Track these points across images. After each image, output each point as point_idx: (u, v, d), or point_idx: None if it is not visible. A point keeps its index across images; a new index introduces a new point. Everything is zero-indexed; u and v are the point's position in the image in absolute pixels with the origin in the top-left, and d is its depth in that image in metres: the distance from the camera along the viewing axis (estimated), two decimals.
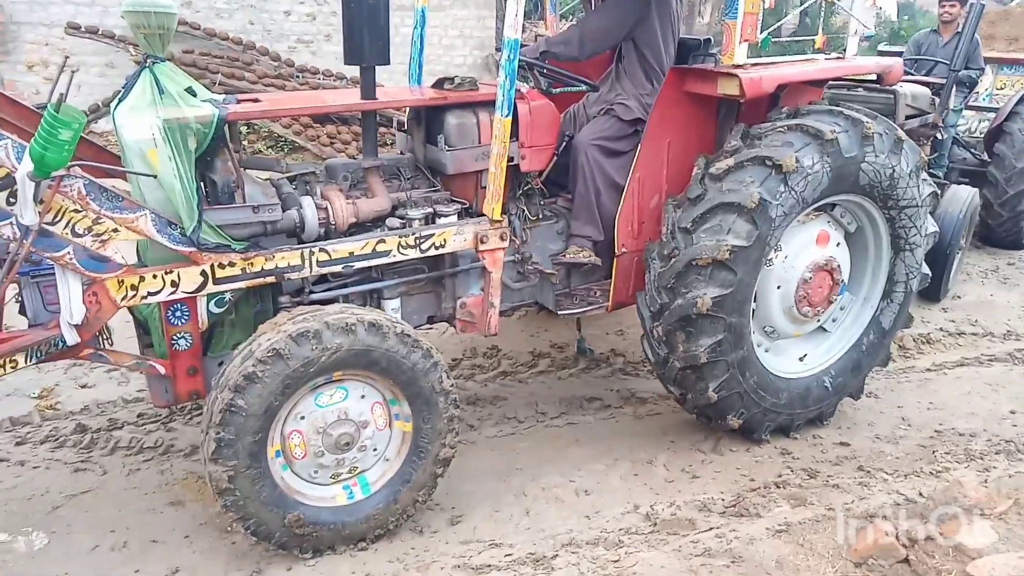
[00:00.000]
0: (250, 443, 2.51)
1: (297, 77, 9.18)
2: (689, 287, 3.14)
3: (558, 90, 3.62)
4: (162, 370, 2.78)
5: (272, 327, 2.60)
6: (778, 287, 3.45)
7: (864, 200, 3.42)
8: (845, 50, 3.60)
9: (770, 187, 3.07)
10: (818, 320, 3.65)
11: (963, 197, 5.64)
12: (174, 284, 2.62)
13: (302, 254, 2.79)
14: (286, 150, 8.48)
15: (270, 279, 2.78)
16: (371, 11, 2.90)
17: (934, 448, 3.65)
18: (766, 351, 3.61)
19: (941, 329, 5.13)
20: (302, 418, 2.68)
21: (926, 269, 3.77)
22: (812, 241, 3.48)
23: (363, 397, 2.78)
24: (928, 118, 5.87)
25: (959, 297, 5.70)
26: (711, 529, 2.98)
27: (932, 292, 5.43)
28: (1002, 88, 7.37)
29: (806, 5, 4.18)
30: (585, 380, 4.33)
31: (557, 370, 4.41)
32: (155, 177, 2.53)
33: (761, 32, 3.21)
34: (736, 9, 3.10)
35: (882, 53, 7.58)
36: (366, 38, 2.92)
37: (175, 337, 2.74)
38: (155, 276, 2.59)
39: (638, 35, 3.57)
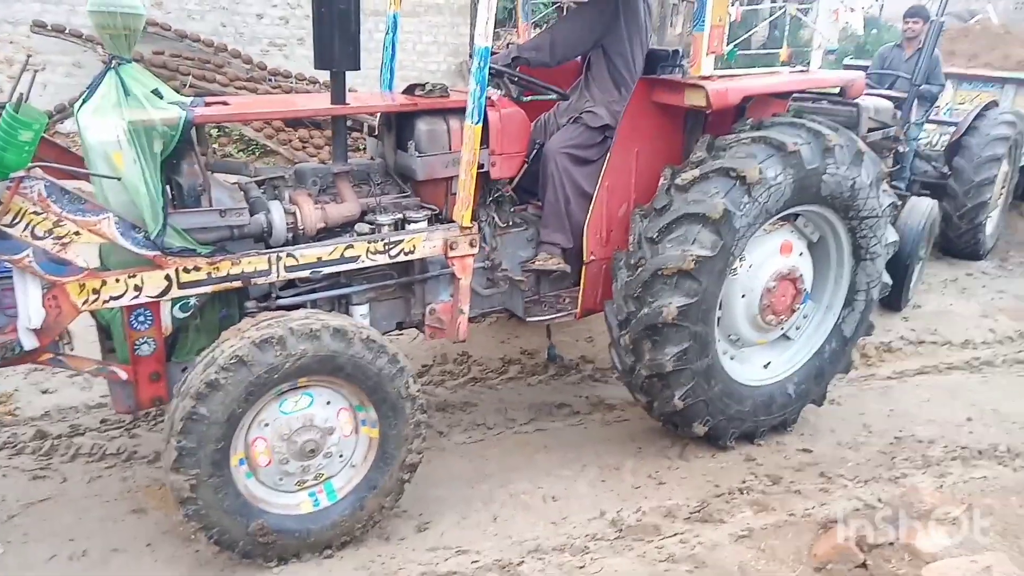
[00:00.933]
0: (212, 452, 2.48)
1: (269, 80, 9.11)
2: (655, 296, 3.18)
3: (529, 98, 3.65)
4: (124, 376, 2.73)
5: (236, 333, 2.58)
6: (743, 296, 3.50)
7: (826, 210, 3.49)
8: (809, 63, 3.66)
9: (734, 198, 3.12)
10: (781, 328, 3.71)
11: (923, 209, 5.78)
12: (137, 288, 2.58)
13: (269, 259, 2.77)
14: (257, 153, 8.41)
15: (236, 284, 2.75)
16: (342, 16, 2.89)
17: (893, 455, 3.73)
18: (731, 359, 3.66)
19: (902, 338, 5.24)
20: (266, 425, 2.65)
21: (887, 278, 3.85)
22: (776, 251, 3.54)
23: (328, 403, 2.75)
24: (890, 131, 6.01)
25: (920, 307, 5.83)
26: (675, 535, 3.01)
27: (893, 301, 5.56)
28: (962, 103, 7.58)
29: (772, 18, 4.23)
30: (554, 386, 4.35)
31: (527, 376, 4.43)
32: (119, 180, 2.50)
33: (728, 44, 3.25)
34: (703, 22, 3.16)
35: (848, 66, 7.77)
36: (336, 43, 2.92)
37: (138, 342, 2.71)
38: (118, 280, 2.56)
39: (607, 43, 3.61)
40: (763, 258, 3.49)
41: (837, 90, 4.04)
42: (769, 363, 3.78)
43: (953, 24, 13.48)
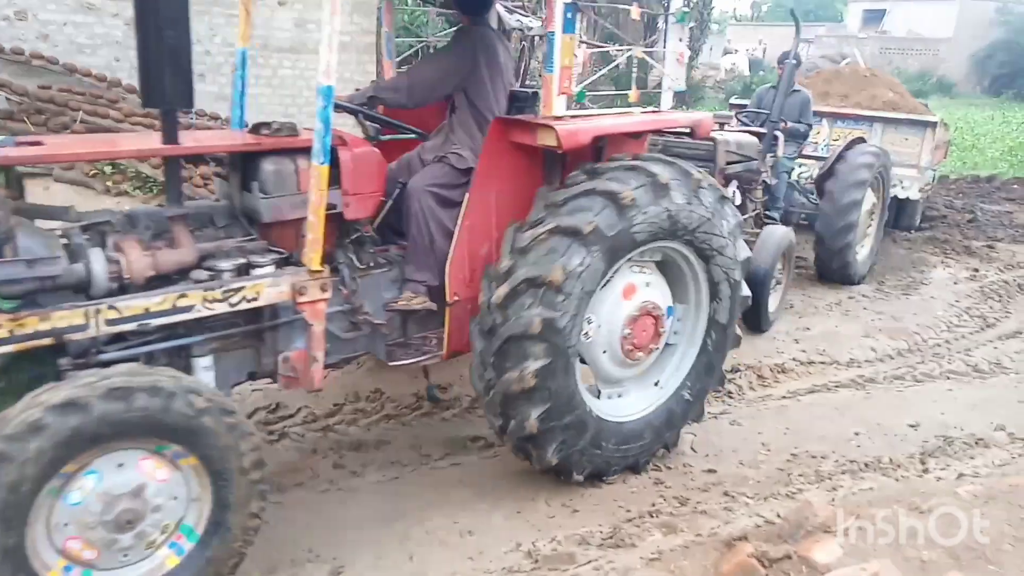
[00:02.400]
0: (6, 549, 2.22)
1: (189, 115, 8.83)
2: (512, 361, 3.19)
3: (387, 136, 3.65)
4: None
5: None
6: (604, 352, 3.56)
7: (671, 243, 3.55)
8: (659, 104, 3.79)
9: (572, 257, 3.13)
10: (657, 350, 3.76)
11: (777, 236, 6.07)
12: None
13: (86, 312, 2.53)
14: (155, 191, 8.10)
15: (47, 341, 2.50)
16: (172, 52, 2.73)
17: (790, 471, 3.94)
18: (619, 396, 3.76)
19: (794, 359, 5.56)
20: (66, 524, 2.40)
21: (746, 290, 3.94)
22: (619, 298, 3.53)
23: (121, 465, 2.48)
24: (752, 164, 6.50)
25: (808, 329, 6.22)
26: (589, 562, 3.07)
27: (754, 323, 5.90)
28: (836, 139, 8.22)
29: (617, 62, 4.45)
30: (468, 420, 4.37)
31: (441, 411, 4.43)
32: None
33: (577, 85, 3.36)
34: (552, 63, 3.21)
35: (733, 105, 8.29)
36: (167, 79, 2.76)
37: None
38: None
39: (468, 87, 3.67)
40: (609, 312, 3.51)
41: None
42: (658, 380, 3.86)
43: (827, 66, 14.63)
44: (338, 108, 3.50)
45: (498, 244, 3.45)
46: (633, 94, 3.78)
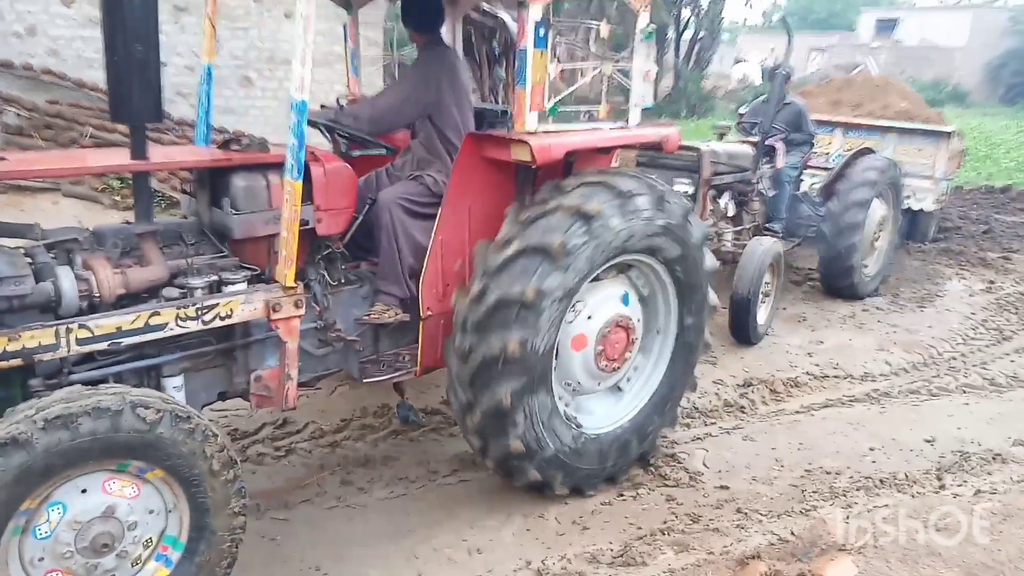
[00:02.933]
0: None
1: (175, 130, 8.89)
2: (489, 383, 3.21)
3: (357, 152, 3.65)
4: None
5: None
6: (578, 364, 3.58)
7: (639, 256, 3.59)
8: (628, 119, 3.80)
9: (543, 275, 3.15)
10: (629, 361, 3.77)
11: (762, 248, 5.94)
12: None
13: (56, 331, 2.47)
14: (163, 205, 8.14)
15: (15, 362, 2.44)
16: (140, 65, 2.68)
17: (804, 487, 3.88)
18: (592, 409, 3.77)
19: (808, 373, 5.50)
20: (41, 559, 2.34)
21: (714, 299, 3.95)
22: (613, 298, 3.63)
23: (84, 491, 2.40)
24: (745, 174, 6.46)
25: (822, 343, 6.14)
26: None
27: (743, 336, 5.87)
28: (849, 150, 8.11)
29: (586, 80, 4.43)
30: None
31: (449, 426, 4.39)
32: None
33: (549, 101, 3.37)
34: (524, 79, 3.22)
35: (742, 115, 8.24)
36: (135, 94, 2.71)
37: None
38: None
39: (434, 115, 3.67)
40: (599, 305, 3.57)
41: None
42: (632, 389, 3.89)
43: (838, 76, 14.58)
44: (312, 124, 3.53)
45: (471, 259, 3.45)
46: (603, 109, 3.76)
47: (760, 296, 5.86)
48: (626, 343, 3.69)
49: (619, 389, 3.89)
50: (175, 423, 2.44)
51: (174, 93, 10.01)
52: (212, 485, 2.55)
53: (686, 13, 24.26)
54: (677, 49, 24.71)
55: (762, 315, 6.00)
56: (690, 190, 6.10)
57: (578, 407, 3.75)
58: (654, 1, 3.58)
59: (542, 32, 3.15)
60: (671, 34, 24.15)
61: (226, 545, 2.64)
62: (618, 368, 3.71)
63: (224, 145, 3.18)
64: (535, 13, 3.11)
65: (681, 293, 3.78)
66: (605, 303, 3.61)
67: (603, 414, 3.80)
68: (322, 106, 3.88)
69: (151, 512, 2.53)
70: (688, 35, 24.83)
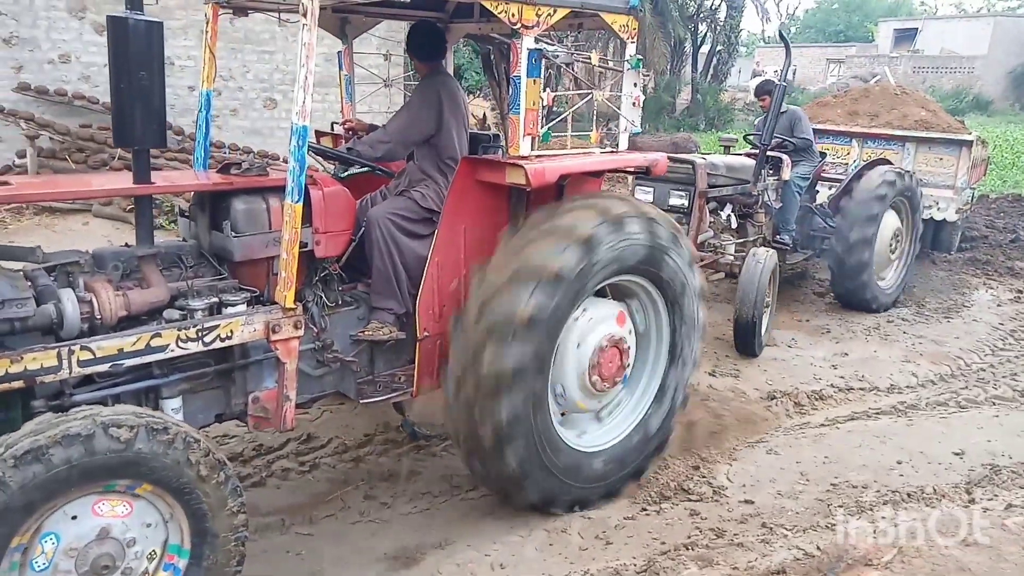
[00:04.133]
0: None
1: (210, 149, 9.07)
2: (487, 409, 3.22)
3: (347, 173, 3.71)
4: None
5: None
6: (578, 345, 3.57)
7: (631, 276, 3.68)
8: (618, 144, 3.87)
9: (540, 301, 3.20)
10: (623, 380, 3.78)
11: (760, 264, 5.85)
12: None
13: (59, 354, 2.50)
14: (166, 221, 8.30)
15: (17, 384, 2.46)
16: (144, 91, 2.75)
17: (829, 502, 3.83)
18: (585, 431, 3.78)
19: (832, 385, 5.44)
20: None
21: (702, 316, 3.98)
22: (613, 316, 3.67)
23: (75, 517, 2.39)
24: (745, 186, 6.45)
25: (847, 354, 6.08)
26: None
27: (748, 348, 5.85)
28: (868, 160, 8.04)
29: (577, 107, 4.48)
30: None
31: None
32: None
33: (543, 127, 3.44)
34: (518, 105, 3.29)
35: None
36: (138, 118, 2.78)
37: None
38: None
39: (434, 137, 3.75)
40: (602, 317, 3.62)
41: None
42: (625, 408, 3.90)
43: (856, 85, 14.48)
44: (327, 155, 3.66)
45: (467, 280, 3.49)
46: (595, 135, 3.83)
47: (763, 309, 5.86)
48: (620, 363, 3.70)
49: (612, 405, 3.89)
50: (152, 436, 2.42)
51: (185, 110, 10.20)
52: (204, 490, 2.54)
53: (703, 27, 24.29)
54: (695, 62, 24.72)
55: (763, 326, 5.98)
56: (686, 203, 6.14)
57: (572, 425, 3.76)
58: (643, 29, 3.66)
59: (535, 60, 3.23)
60: (688, 48, 24.18)
61: (231, 545, 2.65)
62: (610, 387, 3.71)
63: (224, 169, 3.25)
64: (528, 43, 3.19)
65: (671, 311, 3.84)
66: (607, 319, 3.64)
67: (598, 431, 3.82)
68: (317, 132, 4.00)
69: (149, 525, 2.54)
70: (706, 49, 24.85)
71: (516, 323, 3.14)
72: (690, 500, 3.82)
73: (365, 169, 3.70)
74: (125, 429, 2.37)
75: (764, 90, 6.94)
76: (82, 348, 2.56)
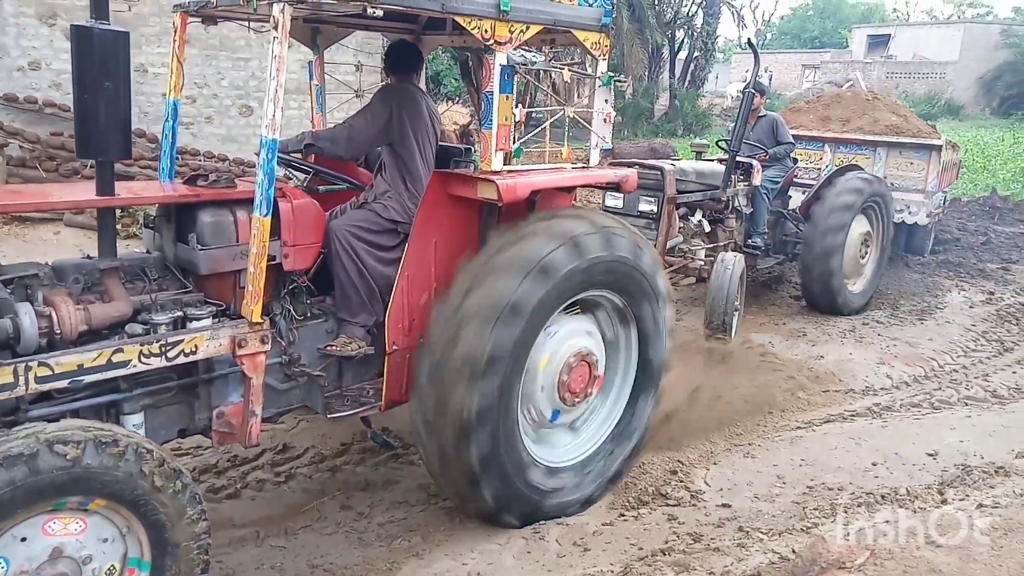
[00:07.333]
0: None
1: (176, 159, 8.98)
2: (457, 443, 3.21)
3: (323, 188, 3.72)
4: None
5: None
6: (547, 360, 3.57)
7: (597, 291, 3.68)
8: (589, 160, 3.88)
9: (501, 324, 3.19)
10: (593, 394, 3.79)
11: (728, 270, 5.90)
12: None
13: (15, 370, 2.42)
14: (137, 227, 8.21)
15: None
16: (109, 100, 2.71)
17: (805, 504, 3.85)
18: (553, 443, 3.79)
19: (808, 388, 5.47)
20: None
21: (672, 320, 4.01)
22: (581, 332, 3.69)
23: (24, 539, 2.32)
24: (715, 192, 6.53)
25: (823, 357, 6.13)
26: None
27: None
28: (839, 165, 8.14)
29: (548, 122, 4.53)
30: None
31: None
32: None
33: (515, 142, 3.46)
34: (491, 121, 3.30)
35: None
36: (103, 130, 2.74)
37: None
38: None
39: (394, 141, 3.73)
40: (569, 333, 3.61)
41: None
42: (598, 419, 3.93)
43: (831, 90, 14.67)
44: (283, 162, 3.58)
45: (436, 294, 3.48)
46: (566, 151, 3.86)
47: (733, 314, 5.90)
48: (589, 377, 3.70)
49: (584, 418, 3.90)
50: (101, 450, 2.35)
51: (159, 118, 10.10)
52: (160, 500, 2.48)
53: (680, 34, 24.48)
54: (672, 69, 24.90)
55: (733, 329, 6.01)
56: (655, 208, 6.20)
57: (542, 439, 3.75)
58: (614, 48, 3.69)
59: (507, 76, 3.24)
60: (666, 54, 24.35)
61: (194, 554, 2.60)
62: (581, 401, 3.72)
63: (191, 180, 3.20)
64: (501, 59, 3.20)
65: (639, 320, 3.86)
66: (572, 337, 3.63)
67: (571, 443, 3.84)
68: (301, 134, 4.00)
69: (105, 540, 2.47)
70: (683, 55, 25.04)
71: (477, 354, 3.12)
72: (668, 505, 3.82)
73: (342, 186, 3.66)
74: (71, 446, 2.29)
75: (758, 89, 7.00)
76: (40, 364, 2.48)
